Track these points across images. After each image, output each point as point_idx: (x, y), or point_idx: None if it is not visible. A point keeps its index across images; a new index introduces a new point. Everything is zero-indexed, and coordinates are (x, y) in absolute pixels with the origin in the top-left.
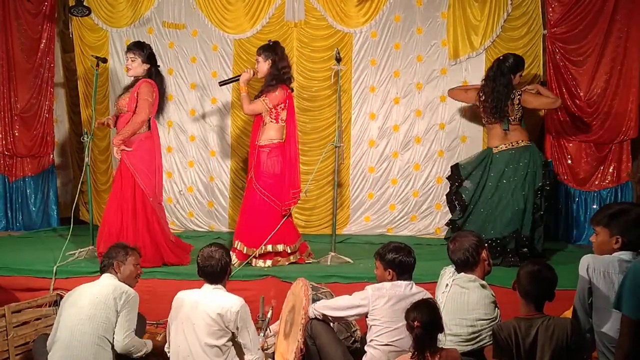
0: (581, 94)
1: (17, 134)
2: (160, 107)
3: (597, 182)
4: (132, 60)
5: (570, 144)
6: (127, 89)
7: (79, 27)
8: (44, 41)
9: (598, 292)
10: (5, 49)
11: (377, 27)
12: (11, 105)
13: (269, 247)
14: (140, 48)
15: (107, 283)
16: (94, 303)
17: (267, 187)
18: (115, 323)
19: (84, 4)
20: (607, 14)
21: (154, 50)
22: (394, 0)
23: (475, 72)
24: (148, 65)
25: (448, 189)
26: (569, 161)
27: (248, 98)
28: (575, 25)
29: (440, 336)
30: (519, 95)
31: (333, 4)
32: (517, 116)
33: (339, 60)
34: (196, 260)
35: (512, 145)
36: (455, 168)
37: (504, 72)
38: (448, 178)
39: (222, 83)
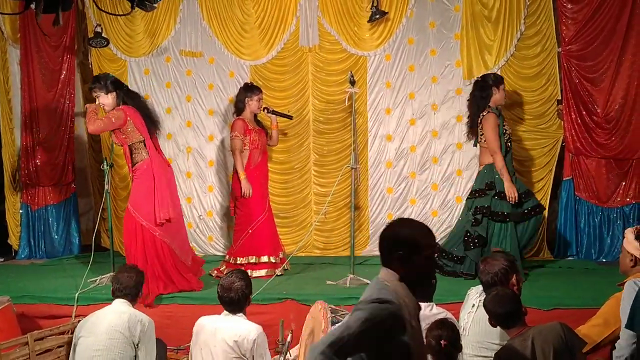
0: (599, 111)
1: (39, 163)
2: (151, 120)
3: (619, 199)
4: (97, 97)
5: (590, 161)
6: None
7: (98, 57)
8: (64, 72)
9: None
10: (27, 80)
11: (391, 49)
12: (33, 135)
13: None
14: (97, 82)
15: (122, 310)
16: (110, 332)
17: None
18: (134, 356)
19: (103, 35)
20: (621, 30)
21: (171, 78)
22: (407, 23)
23: None
24: (114, 93)
25: None
26: (590, 178)
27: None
28: (590, 42)
29: (458, 356)
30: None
31: (347, 28)
32: None
33: (353, 83)
34: (217, 288)
35: None
36: None
37: None
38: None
39: (273, 112)
